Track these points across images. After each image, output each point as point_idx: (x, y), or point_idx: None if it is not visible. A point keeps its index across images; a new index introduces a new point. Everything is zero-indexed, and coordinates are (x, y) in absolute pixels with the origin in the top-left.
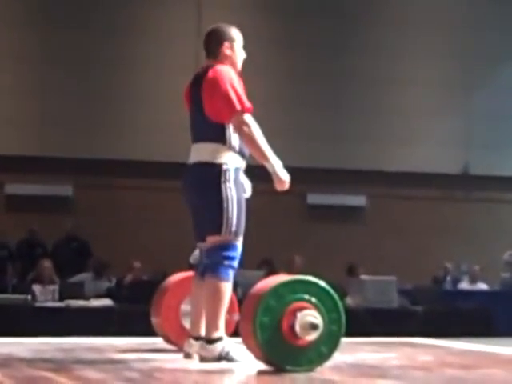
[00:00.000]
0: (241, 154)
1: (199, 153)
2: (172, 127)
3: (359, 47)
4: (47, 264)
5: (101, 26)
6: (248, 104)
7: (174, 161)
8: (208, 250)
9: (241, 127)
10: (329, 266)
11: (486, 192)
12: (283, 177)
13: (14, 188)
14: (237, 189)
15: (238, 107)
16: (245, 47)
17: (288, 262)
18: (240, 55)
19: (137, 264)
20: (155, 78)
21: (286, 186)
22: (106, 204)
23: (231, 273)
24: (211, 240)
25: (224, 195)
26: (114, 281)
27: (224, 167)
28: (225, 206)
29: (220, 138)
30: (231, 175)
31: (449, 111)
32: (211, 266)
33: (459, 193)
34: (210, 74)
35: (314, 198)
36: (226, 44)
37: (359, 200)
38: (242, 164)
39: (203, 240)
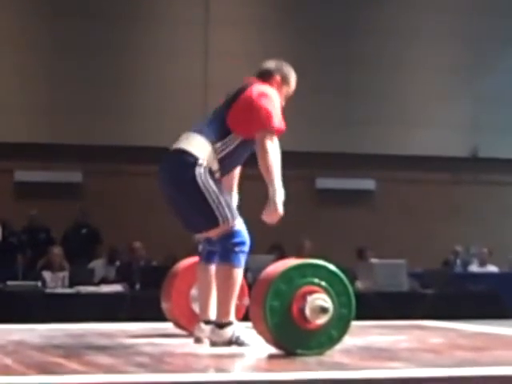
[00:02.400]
0: (222, 167)
1: (185, 141)
2: (181, 113)
3: (369, 32)
4: (57, 251)
5: (109, 13)
6: (283, 127)
7: None
8: (216, 240)
9: (264, 143)
10: (338, 250)
11: (495, 175)
12: (278, 209)
13: (23, 175)
14: (209, 175)
15: (273, 125)
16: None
17: (298, 247)
18: (283, 95)
19: (136, 244)
20: (164, 64)
21: (275, 220)
22: (115, 190)
23: (243, 258)
24: (213, 233)
25: (200, 184)
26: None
27: (199, 161)
28: (207, 196)
29: (216, 139)
30: (202, 170)
31: (457, 95)
32: (223, 254)
33: (468, 176)
34: (255, 88)
35: (323, 183)
36: (278, 78)
37: (368, 184)
38: (216, 174)
39: (196, 232)
